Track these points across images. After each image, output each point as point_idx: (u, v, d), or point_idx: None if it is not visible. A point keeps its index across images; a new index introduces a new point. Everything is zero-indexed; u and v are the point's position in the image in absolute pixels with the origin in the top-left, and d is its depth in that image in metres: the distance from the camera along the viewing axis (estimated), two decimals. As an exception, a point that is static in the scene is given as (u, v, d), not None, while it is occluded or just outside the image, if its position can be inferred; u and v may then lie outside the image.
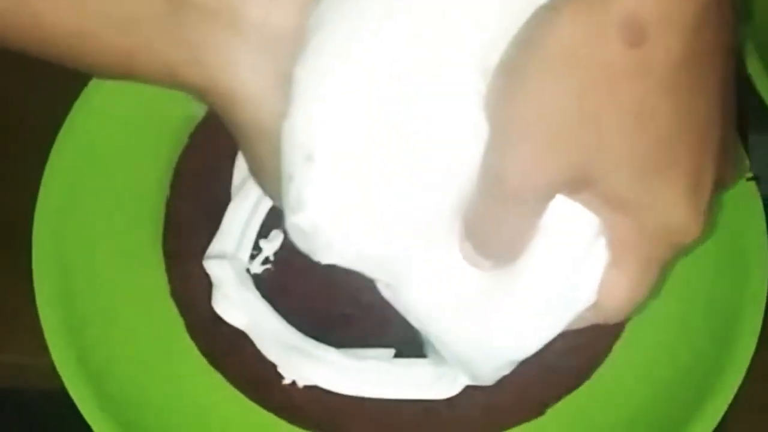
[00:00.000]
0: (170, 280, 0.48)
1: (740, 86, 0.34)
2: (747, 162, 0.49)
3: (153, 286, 0.48)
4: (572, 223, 0.33)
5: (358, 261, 0.35)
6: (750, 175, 0.48)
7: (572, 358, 0.46)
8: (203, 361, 0.47)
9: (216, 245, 0.48)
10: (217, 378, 0.46)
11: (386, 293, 0.36)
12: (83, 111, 0.51)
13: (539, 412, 0.46)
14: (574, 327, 0.36)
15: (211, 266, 0.47)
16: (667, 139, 0.31)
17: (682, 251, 0.34)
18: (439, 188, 0.33)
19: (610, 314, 0.35)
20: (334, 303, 0.47)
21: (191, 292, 0.48)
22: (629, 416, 0.45)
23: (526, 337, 0.35)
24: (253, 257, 0.48)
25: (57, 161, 0.50)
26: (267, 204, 0.48)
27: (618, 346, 0.47)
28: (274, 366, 0.46)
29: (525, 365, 0.45)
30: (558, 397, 0.46)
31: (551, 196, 0.32)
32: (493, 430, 0.45)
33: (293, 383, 0.46)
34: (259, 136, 0.35)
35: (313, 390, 0.45)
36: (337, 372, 0.45)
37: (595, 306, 0.35)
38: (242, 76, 0.34)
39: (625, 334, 0.47)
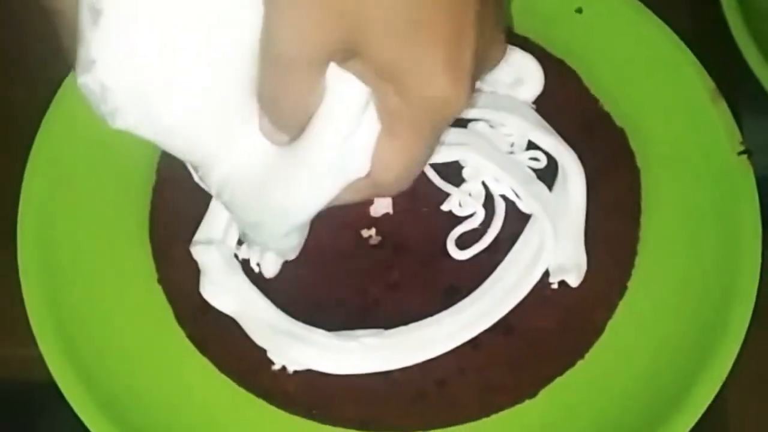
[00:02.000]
0: (158, 268, 0.48)
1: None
2: (739, 135, 0.48)
3: (140, 274, 0.48)
4: (341, 92, 0.35)
5: (155, 133, 0.36)
6: (742, 148, 0.48)
7: (564, 338, 0.46)
8: (192, 348, 0.46)
9: (203, 231, 0.47)
10: (206, 365, 0.46)
11: (196, 178, 0.40)
12: (66, 100, 0.50)
13: (532, 393, 0.45)
14: (355, 199, 0.38)
15: (198, 252, 0.46)
16: (423, 4, 0.33)
17: (447, 121, 0.36)
18: (230, 61, 0.35)
19: (385, 182, 0.37)
20: (324, 287, 0.47)
21: (179, 279, 0.47)
22: (623, 395, 0.45)
23: (306, 200, 0.38)
24: (240, 243, 0.47)
25: (40, 151, 0.49)
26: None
27: (610, 325, 0.46)
28: (263, 352, 0.45)
29: (516, 347, 0.45)
30: (550, 379, 0.45)
31: (323, 63, 0.34)
32: (485, 412, 0.45)
33: (283, 368, 0.45)
34: (69, 7, 0.36)
35: (303, 375, 0.45)
36: (329, 353, 0.44)
37: (370, 176, 0.37)
38: None
39: (617, 313, 0.47)
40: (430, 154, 0.37)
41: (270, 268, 0.47)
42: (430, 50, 0.34)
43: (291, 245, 0.42)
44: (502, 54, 0.38)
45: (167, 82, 0.35)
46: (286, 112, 0.36)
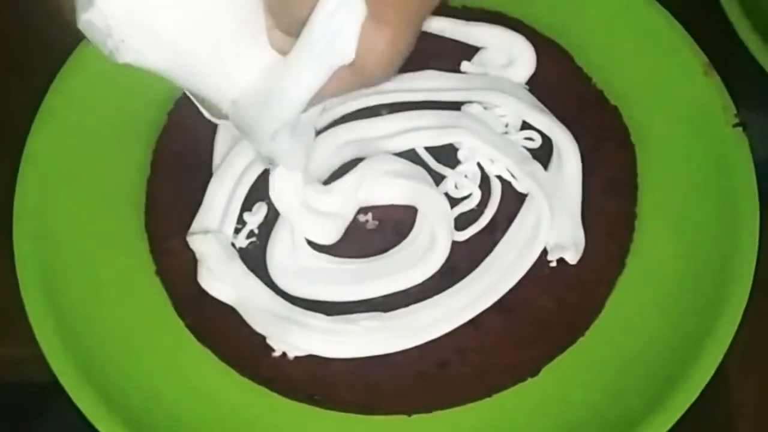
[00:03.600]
0: (154, 259, 0.48)
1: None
2: (734, 108, 0.48)
3: (137, 266, 0.48)
4: None
5: (163, 60, 0.37)
6: (737, 121, 0.48)
7: (564, 316, 0.46)
8: (191, 337, 0.46)
9: (199, 221, 0.47)
10: (206, 354, 0.46)
11: (205, 113, 0.41)
12: (60, 94, 0.50)
13: (534, 371, 0.45)
14: (340, 89, 0.39)
15: (195, 241, 0.46)
16: None
17: (432, 4, 0.37)
18: None
19: (369, 68, 0.38)
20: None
21: (176, 269, 0.47)
22: (625, 371, 0.45)
23: (289, 88, 0.38)
24: (237, 231, 0.47)
25: (35, 146, 0.49)
26: (250, 177, 0.47)
27: (610, 302, 0.46)
28: (263, 339, 0.45)
29: (516, 325, 0.45)
30: (552, 356, 0.45)
31: None
32: (487, 391, 0.44)
33: (283, 355, 0.45)
34: None
35: (303, 360, 0.45)
36: (328, 337, 0.44)
37: (354, 65, 0.37)
38: None
39: (617, 289, 0.47)
40: (413, 42, 0.38)
41: (283, 191, 0.46)
42: None
43: (282, 149, 0.41)
44: None
45: (169, 10, 0.36)
46: (295, 11, 0.37)
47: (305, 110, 0.40)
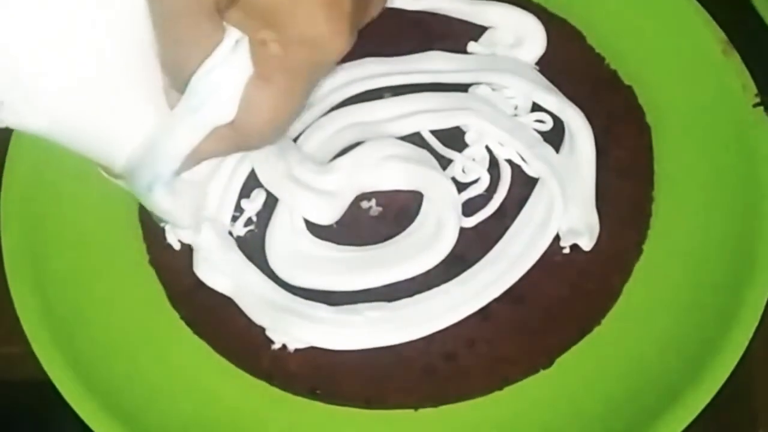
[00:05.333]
0: (148, 249, 0.47)
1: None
2: (754, 87, 0.46)
3: (131, 256, 0.46)
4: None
5: (43, 125, 0.35)
6: (758, 100, 0.46)
7: (579, 304, 0.44)
8: (187, 330, 0.45)
9: (195, 208, 0.45)
10: (202, 347, 0.44)
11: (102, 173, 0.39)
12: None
13: (546, 363, 0.43)
14: (219, 150, 0.37)
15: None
16: None
17: (324, 67, 0.35)
18: (118, 42, 0.34)
19: (250, 130, 0.36)
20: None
21: (171, 259, 0.46)
22: (643, 361, 0.43)
23: (165, 143, 0.37)
24: (234, 219, 0.45)
25: (23, 134, 0.47)
26: (248, 163, 0.46)
27: (627, 289, 0.45)
28: (262, 330, 0.44)
29: (528, 315, 0.44)
30: (566, 348, 0.44)
31: (212, 11, 0.33)
32: (497, 384, 0.43)
33: (284, 347, 0.44)
34: None
35: (305, 352, 0.43)
36: (331, 329, 0.43)
37: (235, 125, 0.36)
38: None
39: (634, 276, 0.45)
40: (301, 107, 0.36)
41: (185, 238, 0.45)
42: None
43: (160, 205, 0.39)
44: (383, 3, 0.37)
45: (50, 61, 0.33)
46: (186, 69, 0.35)
47: (183, 169, 0.38)
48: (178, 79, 0.36)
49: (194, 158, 0.37)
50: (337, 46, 0.34)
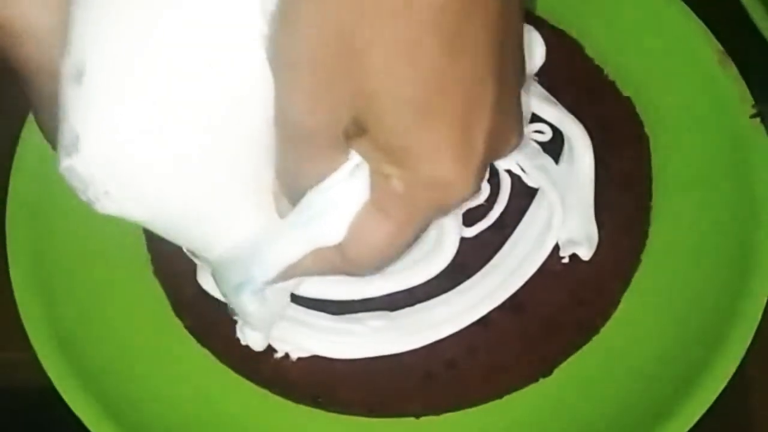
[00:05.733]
0: (153, 259, 0.47)
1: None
2: (751, 98, 0.47)
3: (135, 266, 0.47)
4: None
5: (146, 215, 0.34)
6: (754, 111, 0.46)
7: (578, 313, 0.45)
8: (191, 339, 0.45)
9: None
10: (205, 355, 0.45)
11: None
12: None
13: (546, 371, 0.44)
14: (320, 269, 0.35)
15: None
16: (434, 83, 0.31)
17: (447, 209, 0.33)
18: (231, 141, 0.33)
19: (357, 258, 0.34)
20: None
21: (175, 268, 0.46)
22: (643, 369, 0.43)
23: (266, 254, 0.35)
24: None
25: (28, 145, 0.48)
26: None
27: (625, 297, 0.45)
28: (264, 339, 0.44)
29: (528, 324, 0.44)
30: (565, 356, 0.44)
31: (339, 139, 0.32)
32: (497, 392, 0.43)
33: (286, 356, 0.44)
34: (39, 73, 0.33)
35: (307, 361, 0.44)
36: (333, 337, 0.43)
37: (341, 249, 0.34)
38: (23, 8, 0.32)
39: (632, 285, 0.45)
40: (413, 242, 0.34)
41: (255, 342, 0.43)
42: (439, 131, 0.31)
43: (245, 308, 0.38)
44: (518, 141, 0.35)
45: (162, 164, 0.32)
46: (303, 183, 0.34)
47: (276, 280, 0.36)
48: (291, 189, 0.34)
49: (290, 272, 0.36)
50: (464, 188, 0.32)
